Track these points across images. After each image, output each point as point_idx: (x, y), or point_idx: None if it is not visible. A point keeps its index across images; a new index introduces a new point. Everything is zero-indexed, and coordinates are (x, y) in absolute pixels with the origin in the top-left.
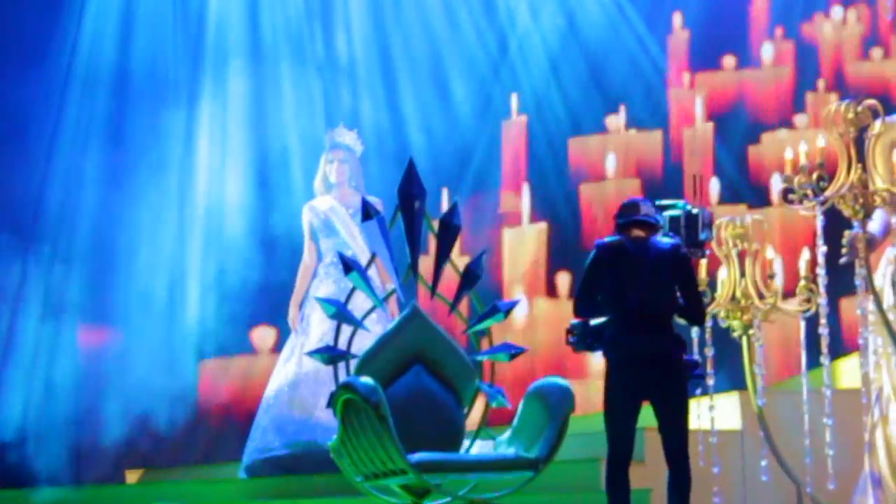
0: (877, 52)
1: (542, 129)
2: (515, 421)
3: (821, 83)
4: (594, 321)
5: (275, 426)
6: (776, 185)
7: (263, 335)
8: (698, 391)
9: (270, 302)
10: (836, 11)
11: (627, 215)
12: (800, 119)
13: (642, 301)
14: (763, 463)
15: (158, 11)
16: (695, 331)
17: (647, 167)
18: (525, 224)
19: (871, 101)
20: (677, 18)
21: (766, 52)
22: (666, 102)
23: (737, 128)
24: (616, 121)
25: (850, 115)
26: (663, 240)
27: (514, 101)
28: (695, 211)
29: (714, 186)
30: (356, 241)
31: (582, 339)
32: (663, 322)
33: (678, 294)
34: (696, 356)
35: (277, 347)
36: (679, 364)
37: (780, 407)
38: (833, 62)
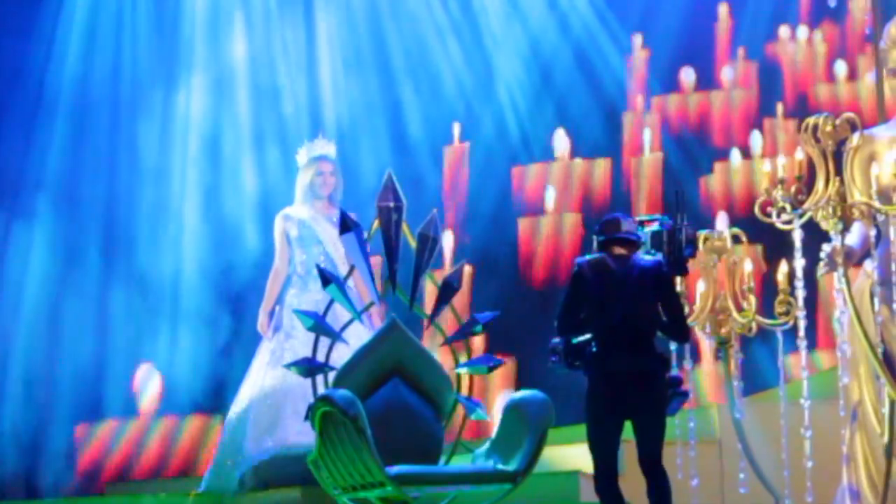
0: (841, 72)
1: (485, 157)
2: (494, 433)
3: (780, 108)
4: (575, 340)
5: (267, 428)
6: (721, 223)
7: None
8: (679, 407)
9: None
10: (802, 31)
11: (608, 233)
12: (756, 145)
13: (625, 319)
14: (742, 475)
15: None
16: (673, 344)
17: (593, 198)
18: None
19: (850, 115)
20: (637, 39)
21: (727, 73)
22: (620, 128)
23: (689, 156)
24: (563, 148)
25: (829, 128)
26: (645, 257)
27: (456, 128)
28: (678, 227)
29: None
30: (339, 252)
31: (564, 358)
32: (646, 340)
33: (661, 312)
34: (679, 373)
35: None
36: (661, 382)
37: (758, 418)
38: (797, 83)
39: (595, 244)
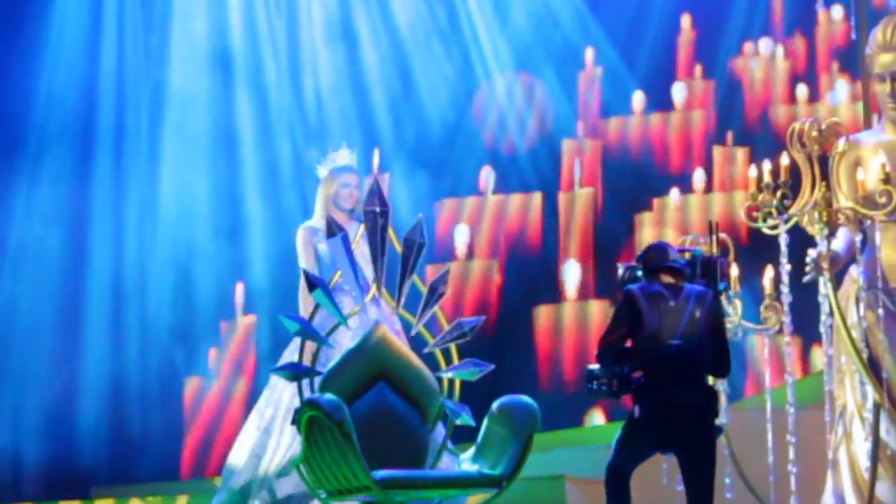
0: (802, 94)
1: (407, 190)
2: (480, 438)
3: (729, 135)
4: (620, 368)
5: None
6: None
7: None
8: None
9: None
10: (765, 45)
11: (657, 260)
12: (699, 177)
13: (680, 350)
14: (727, 480)
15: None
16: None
17: (517, 238)
18: None
19: (835, 120)
20: (589, 53)
21: (679, 92)
22: (559, 157)
23: (627, 190)
24: (486, 181)
25: (815, 134)
26: (699, 287)
27: (375, 155)
28: (713, 259)
29: (573, 273)
30: (370, 268)
31: (607, 385)
32: (699, 372)
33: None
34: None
35: None
36: (712, 416)
37: (744, 424)
38: (756, 104)
39: (625, 273)
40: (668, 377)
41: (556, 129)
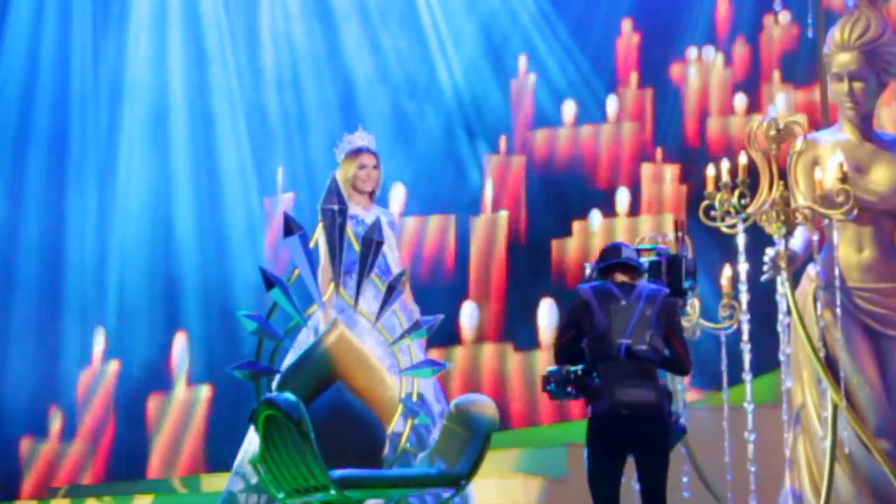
0: (741, 104)
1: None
2: (438, 437)
3: (659, 152)
4: (573, 367)
5: None
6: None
7: None
8: (674, 444)
9: None
10: (708, 51)
11: (609, 258)
12: (623, 198)
13: (630, 350)
14: (685, 479)
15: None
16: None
17: (428, 267)
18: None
19: (794, 119)
20: (522, 60)
21: (612, 102)
22: (481, 174)
23: (548, 213)
24: (397, 201)
25: (773, 133)
26: (650, 285)
27: (279, 173)
28: (679, 257)
29: (470, 315)
30: (393, 252)
31: (561, 386)
32: (650, 372)
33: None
34: (675, 408)
35: None
36: (665, 415)
37: (702, 423)
38: (693, 115)
39: (593, 272)
40: (619, 377)
41: (479, 142)
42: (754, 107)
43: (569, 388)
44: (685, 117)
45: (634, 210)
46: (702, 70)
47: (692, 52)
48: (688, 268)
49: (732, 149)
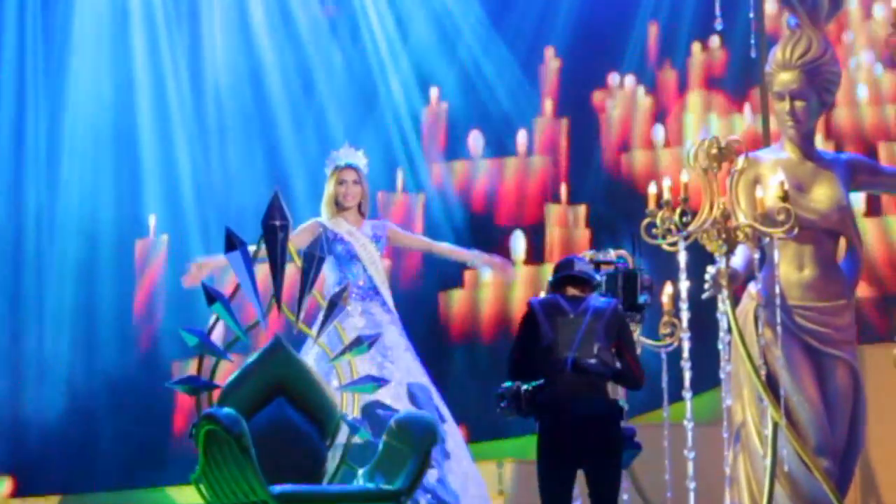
0: (660, 137)
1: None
2: (378, 453)
3: (563, 189)
4: (527, 385)
5: None
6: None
7: None
8: (630, 461)
9: None
10: (630, 78)
11: (561, 272)
12: (519, 244)
13: (576, 363)
14: (625, 496)
15: None
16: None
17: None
18: None
19: (735, 138)
20: (434, 92)
21: (521, 137)
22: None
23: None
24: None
25: (714, 151)
26: (600, 299)
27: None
28: (634, 271)
29: None
30: (377, 268)
31: (513, 403)
32: (598, 387)
33: (614, 357)
34: (632, 425)
35: None
36: (615, 431)
37: (641, 440)
38: (612, 147)
39: (549, 285)
40: (565, 391)
41: (377, 179)
42: (674, 139)
43: (521, 405)
44: (604, 149)
45: (537, 256)
46: (622, 99)
47: (614, 78)
48: (643, 282)
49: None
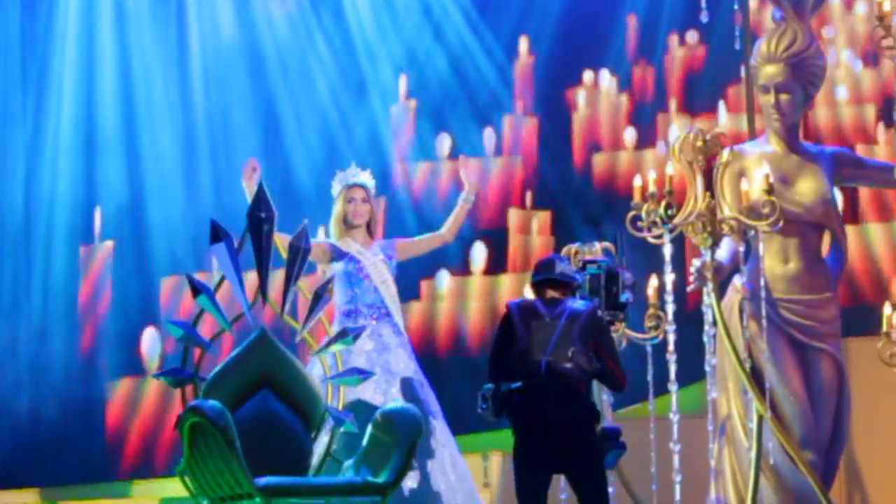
0: (630, 138)
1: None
2: (363, 446)
3: (528, 196)
4: (506, 386)
5: None
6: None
7: None
8: (616, 461)
9: None
10: (606, 75)
11: (541, 273)
12: (479, 254)
13: (550, 368)
14: (611, 489)
15: None
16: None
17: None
18: None
19: (720, 131)
20: (402, 82)
21: (489, 136)
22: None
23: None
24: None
25: (699, 144)
26: (578, 302)
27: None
28: (616, 270)
29: None
30: (389, 289)
31: (492, 405)
32: (573, 390)
33: (595, 358)
34: (617, 425)
35: None
36: (590, 434)
37: (627, 433)
38: (583, 148)
39: (531, 286)
40: (540, 395)
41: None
42: (645, 140)
43: (498, 407)
44: (575, 149)
45: (498, 266)
46: (595, 96)
47: (588, 76)
48: (625, 281)
49: (617, 186)
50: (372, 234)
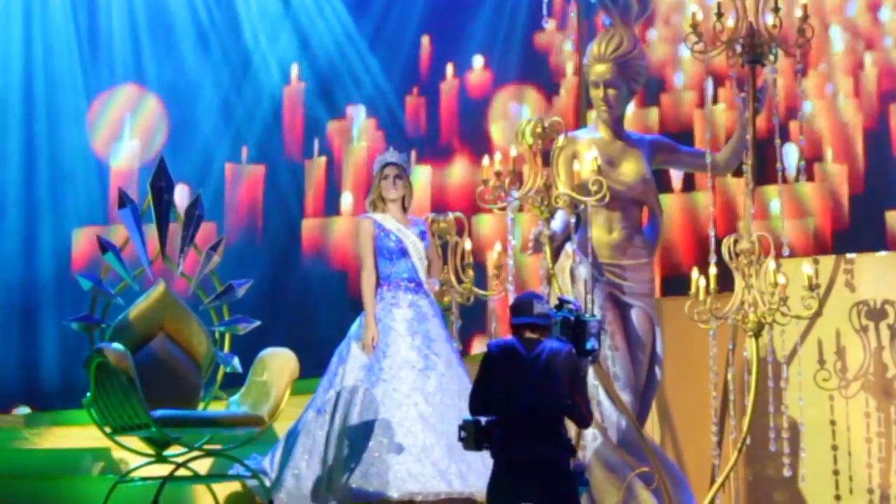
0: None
1: None
2: (245, 383)
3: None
4: (484, 420)
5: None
6: None
7: None
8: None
9: None
10: (478, 61)
11: (520, 316)
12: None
13: (530, 406)
14: None
15: None
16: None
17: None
18: None
19: (556, 119)
20: (294, 69)
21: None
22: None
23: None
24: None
25: (539, 130)
26: (555, 343)
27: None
28: (583, 318)
29: None
30: (423, 265)
31: (472, 438)
32: (552, 427)
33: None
34: (580, 461)
35: None
36: (564, 470)
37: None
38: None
39: (509, 326)
40: (518, 433)
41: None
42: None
43: (480, 440)
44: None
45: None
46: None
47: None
48: (590, 329)
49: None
50: (407, 211)
